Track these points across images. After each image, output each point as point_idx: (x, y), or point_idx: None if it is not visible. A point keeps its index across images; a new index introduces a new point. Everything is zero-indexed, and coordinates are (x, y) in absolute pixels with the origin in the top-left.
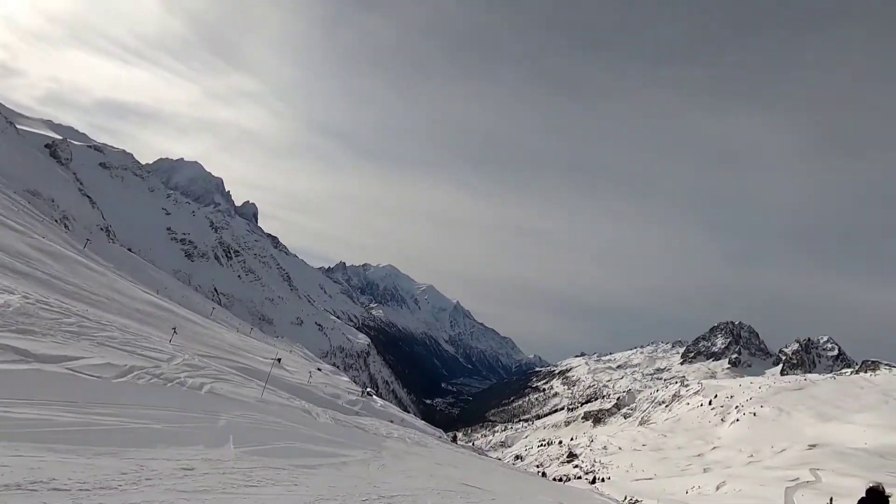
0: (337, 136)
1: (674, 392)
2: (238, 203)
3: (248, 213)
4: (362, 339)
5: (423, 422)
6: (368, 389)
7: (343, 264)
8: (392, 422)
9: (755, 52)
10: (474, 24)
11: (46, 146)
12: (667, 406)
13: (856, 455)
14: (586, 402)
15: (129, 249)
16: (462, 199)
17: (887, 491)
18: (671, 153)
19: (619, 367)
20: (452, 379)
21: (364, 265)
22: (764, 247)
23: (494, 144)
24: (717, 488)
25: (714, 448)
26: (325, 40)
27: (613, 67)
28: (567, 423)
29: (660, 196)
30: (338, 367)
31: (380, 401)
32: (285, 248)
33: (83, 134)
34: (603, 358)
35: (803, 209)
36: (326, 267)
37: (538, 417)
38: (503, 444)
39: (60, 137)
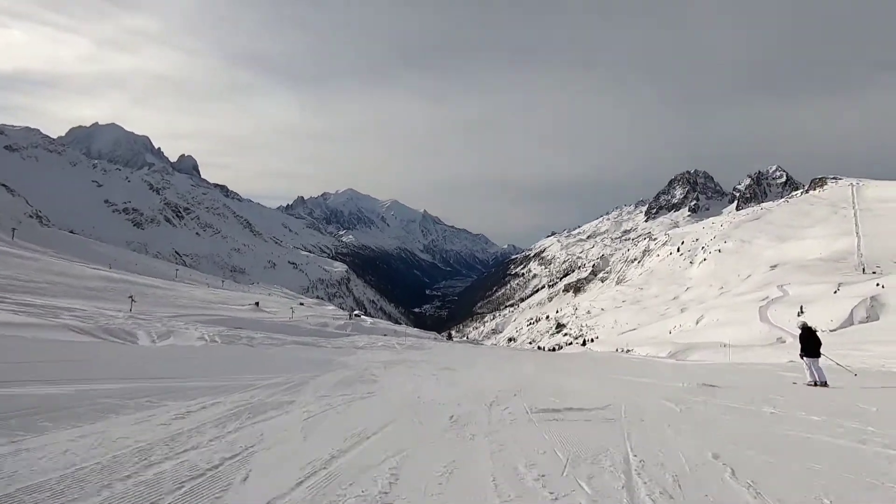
0: (262, 65)
1: (643, 248)
2: (173, 159)
3: (188, 166)
4: (339, 267)
5: (416, 329)
6: (356, 312)
7: (301, 199)
8: (386, 335)
9: None
10: None
11: None
12: (639, 262)
13: (813, 265)
14: (564, 276)
15: (71, 231)
16: (406, 106)
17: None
18: (611, 13)
19: (588, 237)
20: (435, 284)
21: (323, 195)
22: (713, 92)
23: (429, 40)
24: (697, 322)
25: (687, 289)
26: None
27: None
28: (550, 299)
29: (605, 61)
30: (321, 298)
31: (369, 319)
32: (237, 194)
33: None
34: (573, 232)
35: (742, 47)
36: (285, 205)
37: (522, 300)
38: (494, 332)
39: None
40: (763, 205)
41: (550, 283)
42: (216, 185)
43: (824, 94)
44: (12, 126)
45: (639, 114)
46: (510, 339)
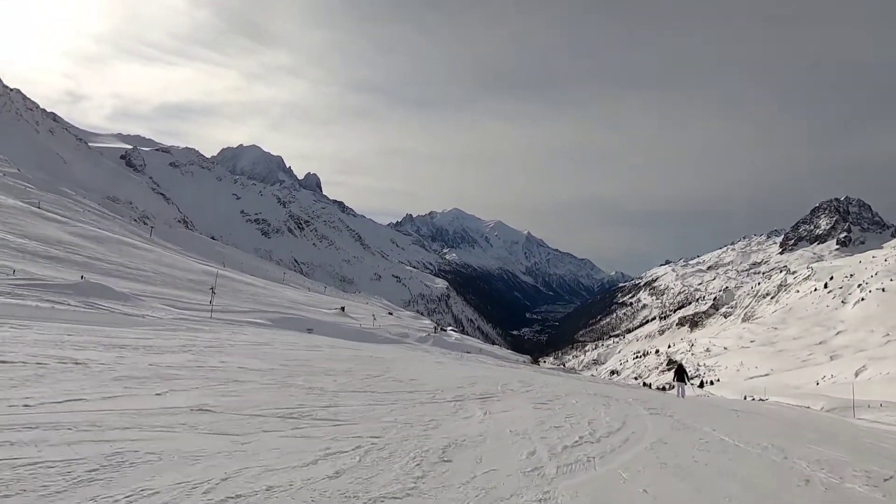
0: (375, 90)
1: (779, 282)
2: (300, 176)
3: (312, 183)
4: (440, 284)
5: (507, 350)
6: (449, 326)
7: (410, 216)
8: (468, 353)
9: None
10: None
11: (122, 157)
12: (773, 297)
13: None
14: (679, 309)
15: (212, 237)
16: (507, 130)
17: None
18: (726, 26)
19: (709, 268)
20: (535, 308)
21: (430, 213)
22: (856, 108)
23: (527, 69)
24: (857, 374)
25: (838, 333)
26: None
27: None
28: (661, 332)
29: (722, 76)
30: (420, 313)
31: (455, 334)
32: (352, 210)
33: (150, 140)
34: (690, 262)
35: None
36: (395, 222)
37: (629, 331)
38: (596, 362)
39: (131, 147)
40: None
41: (662, 315)
42: (335, 202)
43: None
44: (177, 146)
45: (767, 136)
46: (613, 372)
